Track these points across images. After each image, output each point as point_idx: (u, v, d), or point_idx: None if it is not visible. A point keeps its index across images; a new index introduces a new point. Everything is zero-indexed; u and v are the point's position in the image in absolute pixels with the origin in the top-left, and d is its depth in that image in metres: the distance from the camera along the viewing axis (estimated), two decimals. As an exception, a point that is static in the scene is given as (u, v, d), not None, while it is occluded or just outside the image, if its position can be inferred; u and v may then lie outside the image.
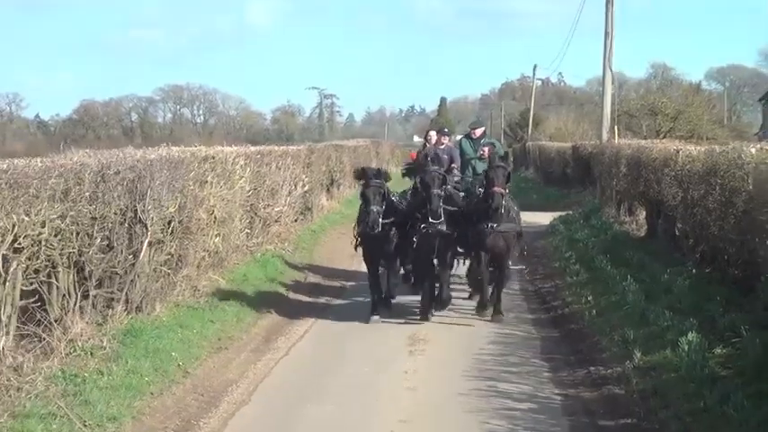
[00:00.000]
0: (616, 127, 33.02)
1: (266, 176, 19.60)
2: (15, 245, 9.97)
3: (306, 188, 23.85)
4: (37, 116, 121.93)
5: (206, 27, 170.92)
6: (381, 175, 14.61)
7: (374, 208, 14.08)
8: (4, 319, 9.83)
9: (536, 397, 10.08)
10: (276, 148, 22.44)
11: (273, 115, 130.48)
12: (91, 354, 10.71)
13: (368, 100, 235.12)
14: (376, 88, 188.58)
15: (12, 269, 9.92)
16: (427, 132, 18.91)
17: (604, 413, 9.61)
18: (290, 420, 9.64)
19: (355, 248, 15.37)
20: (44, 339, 10.64)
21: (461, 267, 16.07)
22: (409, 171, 15.87)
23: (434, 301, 14.60)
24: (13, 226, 9.84)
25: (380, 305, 14.85)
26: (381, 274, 15.22)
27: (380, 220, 14.12)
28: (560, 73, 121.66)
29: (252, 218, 18.77)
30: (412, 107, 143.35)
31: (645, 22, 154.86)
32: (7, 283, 9.92)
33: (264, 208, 19.77)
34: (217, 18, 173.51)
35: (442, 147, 17.11)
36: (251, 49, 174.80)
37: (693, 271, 14.33)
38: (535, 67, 73.70)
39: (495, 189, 13.81)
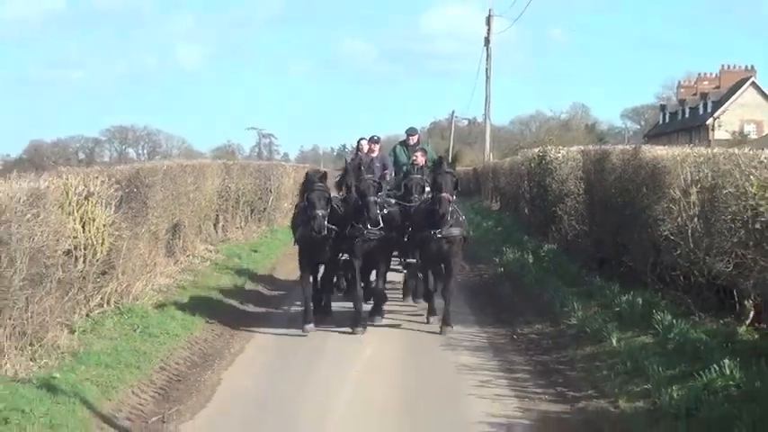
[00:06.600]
0: (491, 153, 51.13)
1: (299, 178, 36.93)
2: (239, 193, 27.30)
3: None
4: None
5: (131, 69, 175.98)
6: (325, 178, 14.70)
7: (319, 212, 13.96)
8: (240, 214, 27.22)
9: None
10: (304, 165, 40.24)
11: (214, 154, 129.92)
12: (261, 236, 27.93)
13: (302, 139, 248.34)
14: (310, 128, 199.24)
15: (241, 202, 27.27)
16: (359, 142, 18.49)
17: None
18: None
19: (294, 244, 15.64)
20: (242, 229, 27.95)
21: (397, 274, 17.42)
22: (340, 182, 16.24)
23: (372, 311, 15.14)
24: (241, 186, 27.27)
25: (315, 312, 14.86)
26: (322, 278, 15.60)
27: (325, 223, 14.02)
28: (484, 114, 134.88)
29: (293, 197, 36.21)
30: (344, 146, 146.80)
31: (568, 63, 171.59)
32: (239, 207, 27.25)
33: (294, 195, 37.23)
34: (143, 60, 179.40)
35: (374, 155, 17.33)
36: (187, 92, 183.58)
37: (507, 213, 32.05)
38: (453, 111, 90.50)
39: (443, 195, 13.96)
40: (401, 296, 17.15)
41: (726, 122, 73.90)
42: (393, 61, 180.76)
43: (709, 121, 76.12)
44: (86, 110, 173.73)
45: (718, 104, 77.75)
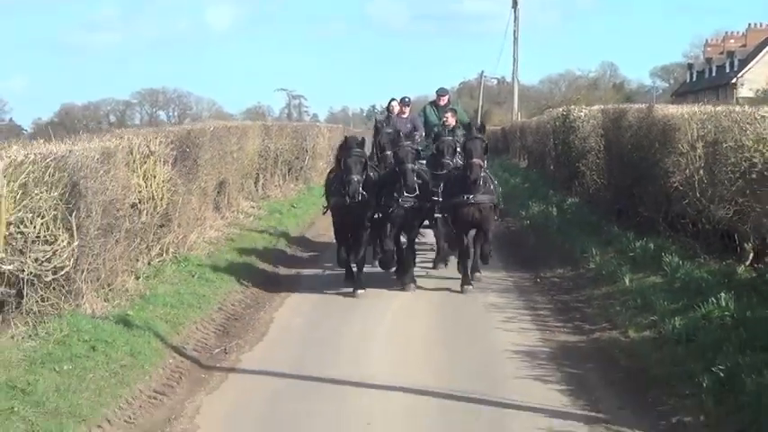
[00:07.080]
0: (519, 113, 52.20)
1: (333, 138, 38.40)
2: (277, 152, 28.65)
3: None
4: (11, 119, 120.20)
5: (162, 32, 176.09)
6: (363, 144, 14.58)
7: (355, 177, 13.93)
8: (278, 173, 28.58)
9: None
10: (336, 125, 41.47)
11: (244, 115, 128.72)
12: (299, 193, 29.27)
13: (332, 100, 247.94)
14: (339, 89, 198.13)
15: (280, 161, 28.63)
16: (389, 103, 18.25)
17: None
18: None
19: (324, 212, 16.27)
20: (280, 187, 29.32)
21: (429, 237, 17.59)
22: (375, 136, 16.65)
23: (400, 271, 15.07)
24: (279, 146, 28.62)
25: (355, 276, 14.80)
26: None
27: (360, 189, 14.03)
28: (512, 75, 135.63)
29: (328, 157, 37.57)
30: (373, 107, 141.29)
31: (598, 22, 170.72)
32: (277, 166, 28.61)
33: (328, 155, 38.59)
34: (174, 24, 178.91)
35: (405, 116, 17.44)
36: (217, 54, 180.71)
37: (534, 170, 33.23)
38: (482, 71, 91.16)
39: (474, 161, 13.90)
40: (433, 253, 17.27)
41: (751, 81, 74.17)
42: (423, 21, 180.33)
43: (735, 79, 76.50)
44: (117, 73, 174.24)
45: (744, 63, 77.92)
